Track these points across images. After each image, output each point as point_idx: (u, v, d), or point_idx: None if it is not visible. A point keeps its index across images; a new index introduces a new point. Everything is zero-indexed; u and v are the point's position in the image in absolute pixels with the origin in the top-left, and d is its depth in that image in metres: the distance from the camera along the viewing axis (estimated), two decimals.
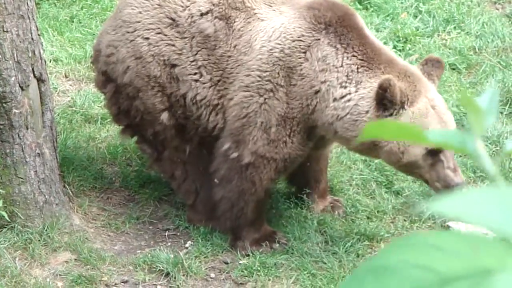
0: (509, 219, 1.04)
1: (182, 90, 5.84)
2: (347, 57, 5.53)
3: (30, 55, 5.83)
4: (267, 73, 5.59)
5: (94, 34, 8.15)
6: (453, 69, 7.87)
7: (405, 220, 6.20)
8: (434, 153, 5.43)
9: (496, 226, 1.04)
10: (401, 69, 5.52)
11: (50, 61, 7.73)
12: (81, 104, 7.30)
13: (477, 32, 8.27)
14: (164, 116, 5.93)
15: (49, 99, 6.03)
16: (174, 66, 5.83)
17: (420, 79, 5.52)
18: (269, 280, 5.72)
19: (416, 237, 1.11)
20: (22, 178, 5.93)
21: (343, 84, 5.50)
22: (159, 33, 5.85)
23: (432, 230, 6.11)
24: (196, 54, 5.78)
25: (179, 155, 6.09)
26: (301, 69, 5.55)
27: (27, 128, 5.87)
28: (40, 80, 5.92)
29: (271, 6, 5.75)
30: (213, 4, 5.77)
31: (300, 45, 5.57)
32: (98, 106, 7.31)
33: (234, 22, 5.72)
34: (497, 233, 1.04)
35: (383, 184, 6.56)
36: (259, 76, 5.60)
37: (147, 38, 5.87)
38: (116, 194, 6.57)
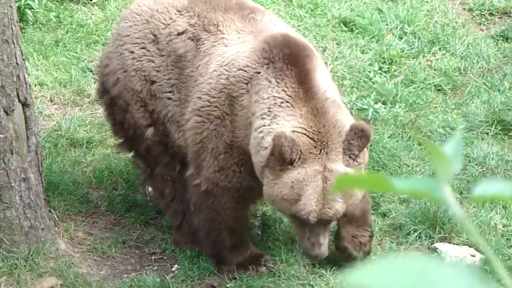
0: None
1: (158, 108, 5.87)
2: (277, 91, 5.29)
3: (14, 79, 5.81)
4: (215, 99, 5.54)
5: (79, 58, 8.16)
6: (439, 90, 7.90)
7: (392, 242, 6.19)
8: (300, 221, 5.25)
9: None
10: (320, 124, 5.18)
11: (35, 86, 7.72)
12: (66, 128, 7.28)
13: (462, 53, 8.31)
14: (150, 132, 5.96)
15: (34, 123, 6.01)
16: (153, 82, 5.88)
17: (332, 145, 5.13)
18: None
19: None
20: (7, 203, 5.89)
21: (263, 116, 5.27)
22: (143, 48, 5.91)
23: (418, 252, 6.10)
24: (170, 72, 5.82)
25: (170, 172, 6.09)
26: (242, 100, 5.45)
27: (12, 153, 5.84)
28: (25, 105, 5.91)
29: (239, 33, 5.72)
30: (190, 25, 5.80)
31: (244, 76, 5.45)
32: (84, 130, 7.30)
33: (203, 44, 5.73)
34: None
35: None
36: (209, 101, 5.56)
37: (132, 52, 5.94)
38: (102, 218, 6.54)
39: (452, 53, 8.32)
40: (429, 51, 8.34)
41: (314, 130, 5.17)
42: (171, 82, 5.81)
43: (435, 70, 8.11)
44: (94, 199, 6.66)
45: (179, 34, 5.80)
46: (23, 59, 5.98)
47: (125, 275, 6.03)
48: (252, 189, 5.61)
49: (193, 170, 5.73)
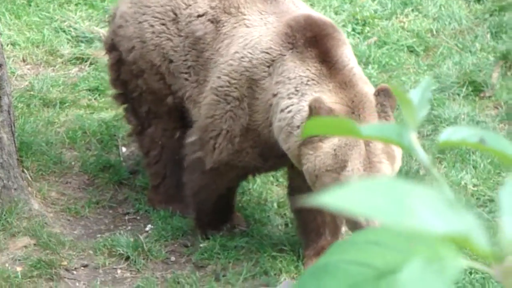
0: (395, 210, 1.06)
1: (176, 85, 5.85)
2: (302, 70, 5.27)
3: None
4: (235, 81, 5.50)
5: (51, 18, 8.10)
6: (411, 51, 7.94)
7: None
8: None
9: (382, 217, 1.06)
10: (351, 94, 5.16)
11: (7, 45, 7.67)
12: (39, 88, 7.26)
13: (434, 15, 8.34)
14: (170, 99, 5.94)
15: (6, 83, 5.99)
16: (171, 61, 5.84)
17: (368, 110, 5.10)
18: (230, 262, 5.75)
19: (357, 236, 1.14)
20: None
21: (290, 95, 5.25)
22: (163, 25, 5.85)
23: None
24: (187, 54, 5.77)
25: (164, 138, 6.08)
26: (263, 83, 5.41)
27: None
28: None
29: (261, 14, 5.63)
30: (211, 7, 5.72)
31: (266, 58, 5.41)
32: (57, 90, 7.28)
33: (223, 26, 5.65)
34: (384, 223, 1.06)
35: None
36: (229, 82, 5.52)
37: (152, 26, 5.87)
38: (76, 178, 6.55)
39: (425, 15, 8.35)
40: (402, 13, 8.37)
41: (346, 100, 5.12)
42: (188, 64, 5.77)
43: (407, 32, 8.14)
44: (67, 159, 6.66)
45: (199, 16, 5.73)
46: None
47: (99, 235, 6.06)
48: (259, 169, 5.70)
49: (196, 140, 5.71)
